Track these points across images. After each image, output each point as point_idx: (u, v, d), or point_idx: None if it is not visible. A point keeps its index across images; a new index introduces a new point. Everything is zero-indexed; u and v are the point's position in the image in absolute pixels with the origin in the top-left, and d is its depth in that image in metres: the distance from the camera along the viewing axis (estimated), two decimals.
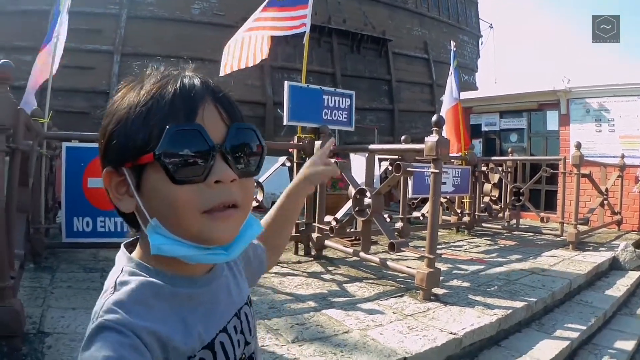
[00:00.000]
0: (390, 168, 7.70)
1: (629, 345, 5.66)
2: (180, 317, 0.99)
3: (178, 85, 0.98)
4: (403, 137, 8.78)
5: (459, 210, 10.47)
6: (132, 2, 19.84)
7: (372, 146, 6.92)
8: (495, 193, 11.78)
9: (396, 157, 7.59)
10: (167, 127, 0.91)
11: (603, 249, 9.41)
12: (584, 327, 5.53)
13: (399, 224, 7.84)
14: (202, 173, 0.93)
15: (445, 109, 11.74)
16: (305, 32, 8.39)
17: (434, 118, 5.34)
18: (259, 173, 1.08)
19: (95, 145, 6.64)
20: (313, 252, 7.37)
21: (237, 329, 1.14)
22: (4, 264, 3.64)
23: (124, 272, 1.01)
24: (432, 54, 28.88)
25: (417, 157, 7.55)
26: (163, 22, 20.03)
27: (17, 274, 4.33)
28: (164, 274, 1.00)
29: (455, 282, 6.25)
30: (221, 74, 8.99)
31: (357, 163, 8.68)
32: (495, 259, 7.99)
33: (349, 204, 6.94)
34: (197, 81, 1.01)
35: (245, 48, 9.07)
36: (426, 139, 5.27)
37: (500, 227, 11.35)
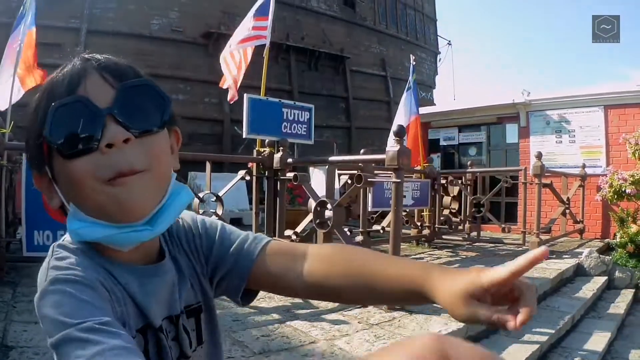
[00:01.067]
0: (349, 182, 7.70)
1: (599, 346, 5.76)
2: (116, 291, 0.94)
3: (65, 69, 0.97)
4: (362, 150, 8.82)
5: (418, 223, 10.49)
6: (92, 16, 19.76)
7: (332, 158, 6.93)
8: (455, 206, 11.86)
9: (355, 172, 7.59)
10: (50, 108, 0.90)
11: (567, 256, 9.54)
12: (553, 331, 5.60)
13: (359, 238, 7.83)
14: (93, 141, 0.89)
15: (404, 124, 11.76)
16: (265, 44, 8.42)
17: (395, 128, 5.38)
18: (160, 124, 0.99)
19: None
20: None
21: (168, 334, 1.03)
22: None
23: (56, 248, 0.98)
24: (390, 71, 29.16)
25: (375, 171, 7.58)
26: (123, 37, 19.94)
27: None
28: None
29: None
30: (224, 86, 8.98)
31: (317, 177, 8.68)
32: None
33: (309, 218, 6.91)
34: (82, 59, 0.99)
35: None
36: (387, 148, 5.30)
37: (461, 239, 11.42)
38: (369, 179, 6.27)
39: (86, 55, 1.01)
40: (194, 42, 21.13)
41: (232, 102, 9.03)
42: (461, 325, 4.79)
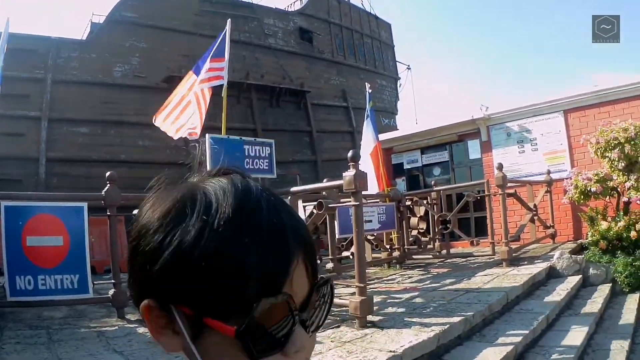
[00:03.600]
0: (314, 211, 7.88)
1: (577, 340, 5.95)
2: None
3: (267, 216, 0.78)
4: (325, 179, 9.02)
5: (388, 246, 10.68)
6: (57, 65, 19.94)
7: (293, 189, 7.11)
8: (423, 225, 12.08)
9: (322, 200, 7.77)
10: (260, 302, 0.72)
11: (539, 261, 9.75)
12: (527, 332, 5.80)
13: (329, 265, 7.99)
14: (281, 343, 0.75)
15: (367, 152, 11.96)
16: (223, 84, 8.63)
17: (350, 153, 5.59)
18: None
19: (33, 203, 6.71)
20: None
21: None
22: None
23: None
24: (351, 101, 29.45)
25: (343, 200, 7.75)
26: (87, 86, 20.15)
27: None
28: None
29: (390, 310, 6.45)
30: (157, 123, 9.06)
31: None
32: (429, 285, 8.23)
33: None
34: (286, 217, 0.81)
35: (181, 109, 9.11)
36: (344, 173, 5.52)
37: (431, 256, 11.61)
38: (329, 205, 6.48)
39: (288, 208, 0.83)
40: (156, 87, 21.29)
41: (192, 143, 9.20)
42: (431, 335, 5.00)
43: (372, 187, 11.17)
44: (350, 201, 6.03)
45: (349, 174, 5.44)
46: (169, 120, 9.14)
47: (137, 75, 21.79)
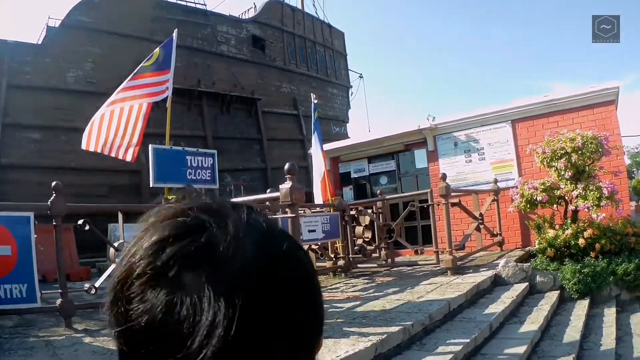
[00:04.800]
0: None
1: (520, 349, 5.99)
2: None
3: None
4: (269, 190, 9.06)
5: (333, 255, 10.74)
6: (11, 70, 19.64)
7: (232, 200, 7.13)
8: (368, 234, 12.14)
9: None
10: None
11: (484, 269, 9.84)
12: (468, 340, 5.82)
13: None
14: None
15: (317, 161, 12.02)
16: (168, 96, 8.60)
17: (287, 166, 5.66)
18: None
19: None
20: None
21: None
22: None
23: None
24: (302, 109, 29.46)
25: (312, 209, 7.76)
26: (41, 91, 19.91)
27: None
28: None
29: (330, 319, 6.43)
30: (83, 146, 8.86)
31: None
32: (371, 295, 8.22)
33: None
34: None
35: (115, 125, 8.92)
36: (280, 186, 5.59)
37: (377, 265, 11.69)
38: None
39: None
40: (108, 93, 21.03)
41: (134, 161, 9.10)
42: (368, 344, 5.03)
43: (318, 197, 11.27)
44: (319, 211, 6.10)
45: (285, 186, 5.51)
46: (101, 139, 8.91)
47: (89, 81, 21.53)
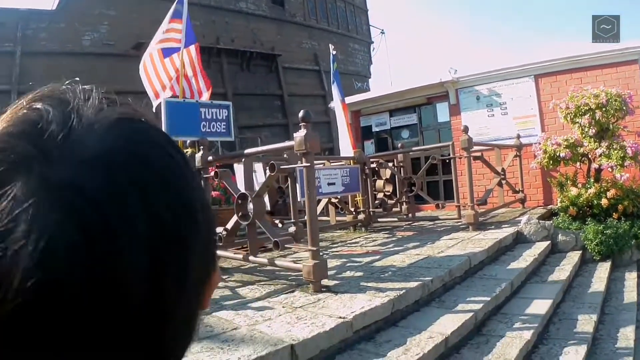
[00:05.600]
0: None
1: (542, 309, 5.85)
2: None
3: None
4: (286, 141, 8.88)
5: (353, 209, 10.60)
6: (25, 37, 19.50)
7: (247, 151, 6.97)
8: (389, 188, 12.00)
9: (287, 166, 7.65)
10: None
11: (506, 225, 9.70)
12: (488, 298, 5.69)
13: (292, 229, 7.88)
14: None
15: (339, 113, 11.90)
16: (179, 49, 8.46)
17: (301, 114, 5.46)
18: None
19: None
20: None
21: None
22: None
23: None
24: (323, 65, 29.08)
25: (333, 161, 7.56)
26: (56, 56, 19.70)
27: None
28: None
29: (348, 274, 6.36)
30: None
31: (241, 172, 8.73)
32: (391, 249, 8.11)
33: None
34: None
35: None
36: (295, 134, 5.40)
37: (397, 219, 11.57)
38: (282, 167, 6.37)
39: None
40: (126, 54, 20.90)
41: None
42: (385, 300, 4.90)
43: (347, 150, 11.11)
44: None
45: (300, 134, 5.32)
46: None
47: (106, 43, 21.34)
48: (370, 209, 10.73)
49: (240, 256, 6.85)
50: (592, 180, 10.26)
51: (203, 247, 0.57)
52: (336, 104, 11.96)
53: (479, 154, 11.02)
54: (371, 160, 11.32)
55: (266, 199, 8.04)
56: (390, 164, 11.78)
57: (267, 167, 6.73)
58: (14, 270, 0.43)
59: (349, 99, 14.09)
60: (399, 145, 12.67)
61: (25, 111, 0.53)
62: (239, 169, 8.66)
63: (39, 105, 0.54)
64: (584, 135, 10.30)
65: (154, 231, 0.50)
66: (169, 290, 0.52)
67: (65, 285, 0.44)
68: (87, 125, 0.52)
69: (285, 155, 7.90)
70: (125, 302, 0.47)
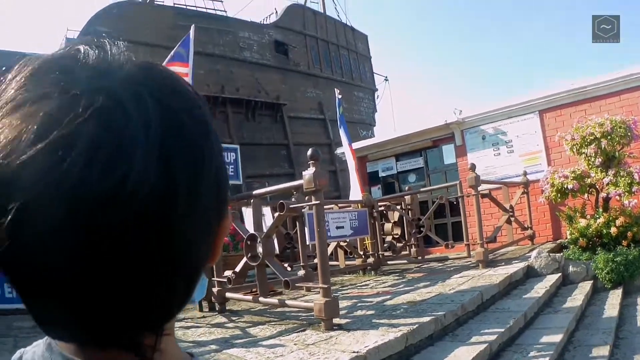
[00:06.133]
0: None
1: (556, 338, 5.84)
2: None
3: None
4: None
5: (362, 253, 10.58)
6: None
7: (256, 191, 7.03)
8: (398, 231, 12.01)
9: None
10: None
11: (516, 261, 9.68)
12: (502, 330, 5.68)
13: (301, 272, 7.86)
14: None
15: (348, 156, 11.95)
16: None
17: (310, 152, 5.51)
18: None
19: None
20: (217, 307, 7.31)
21: None
22: None
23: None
24: (328, 113, 29.30)
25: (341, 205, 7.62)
26: None
27: None
28: None
29: (359, 312, 6.33)
30: None
31: (250, 215, 8.74)
32: (402, 289, 8.07)
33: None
34: None
35: None
36: (304, 172, 5.43)
37: (407, 262, 11.53)
38: (291, 206, 6.39)
39: None
40: None
41: None
42: (399, 334, 4.88)
43: (357, 195, 11.13)
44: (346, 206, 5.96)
45: (309, 172, 5.35)
46: None
47: None
48: (380, 252, 10.69)
49: (250, 297, 6.83)
50: (600, 210, 10.24)
51: (214, 174, 0.58)
52: (345, 147, 12.02)
53: (486, 192, 11.02)
54: (379, 203, 11.33)
55: (275, 242, 8.03)
56: (398, 207, 11.78)
57: (277, 207, 6.74)
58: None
59: (354, 145, 14.14)
60: (406, 188, 12.69)
61: (70, 50, 0.59)
62: (247, 212, 8.70)
63: (79, 47, 0.59)
64: (590, 166, 10.30)
65: (169, 131, 0.53)
66: (180, 207, 0.52)
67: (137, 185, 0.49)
68: (119, 62, 0.61)
69: (293, 199, 7.92)
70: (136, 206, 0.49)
